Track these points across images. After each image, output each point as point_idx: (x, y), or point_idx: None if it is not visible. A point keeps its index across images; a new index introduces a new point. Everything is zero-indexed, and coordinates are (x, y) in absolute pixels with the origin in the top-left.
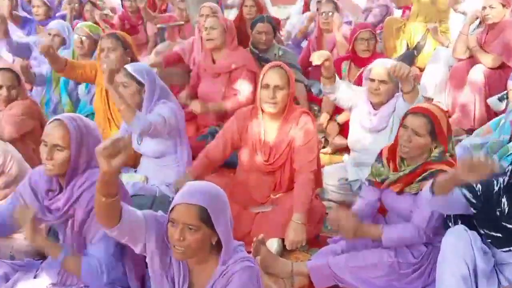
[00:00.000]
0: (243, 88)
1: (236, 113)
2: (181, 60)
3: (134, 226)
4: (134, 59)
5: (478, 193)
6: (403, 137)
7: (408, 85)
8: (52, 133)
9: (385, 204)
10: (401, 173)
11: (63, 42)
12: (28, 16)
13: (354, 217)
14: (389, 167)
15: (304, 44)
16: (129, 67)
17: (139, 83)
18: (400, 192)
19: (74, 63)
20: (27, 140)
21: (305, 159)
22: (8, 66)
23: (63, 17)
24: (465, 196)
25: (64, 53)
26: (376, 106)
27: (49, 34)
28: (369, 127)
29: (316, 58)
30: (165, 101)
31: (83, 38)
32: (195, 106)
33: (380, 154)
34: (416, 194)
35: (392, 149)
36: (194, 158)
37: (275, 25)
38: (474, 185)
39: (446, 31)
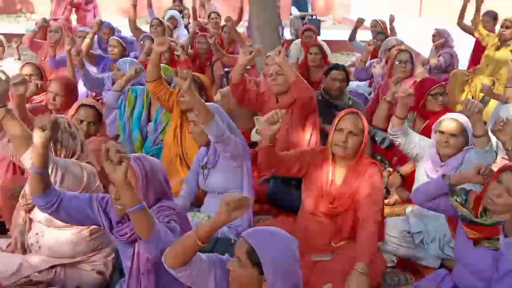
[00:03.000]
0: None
1: (311, 149)
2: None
3: (200, 272)
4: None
5: None
6: (494, 191)
7: (479, 127)
8: None
9: (456, 254)
10: (481, 220)
11: None
12: (103, 54)
13: None
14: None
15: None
16: None
17: None
18: (476, 243)
19: (165, 83)
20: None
21: (369, 210)
22: (93, 104)
23: (136, 57)
24: None
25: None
26: (443, 158)
27: (118, 70)
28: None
29: (401, 91)
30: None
31: None
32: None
33: (469, 191)
34: (495, 250)
35: (479, 197)
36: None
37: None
38: None
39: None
